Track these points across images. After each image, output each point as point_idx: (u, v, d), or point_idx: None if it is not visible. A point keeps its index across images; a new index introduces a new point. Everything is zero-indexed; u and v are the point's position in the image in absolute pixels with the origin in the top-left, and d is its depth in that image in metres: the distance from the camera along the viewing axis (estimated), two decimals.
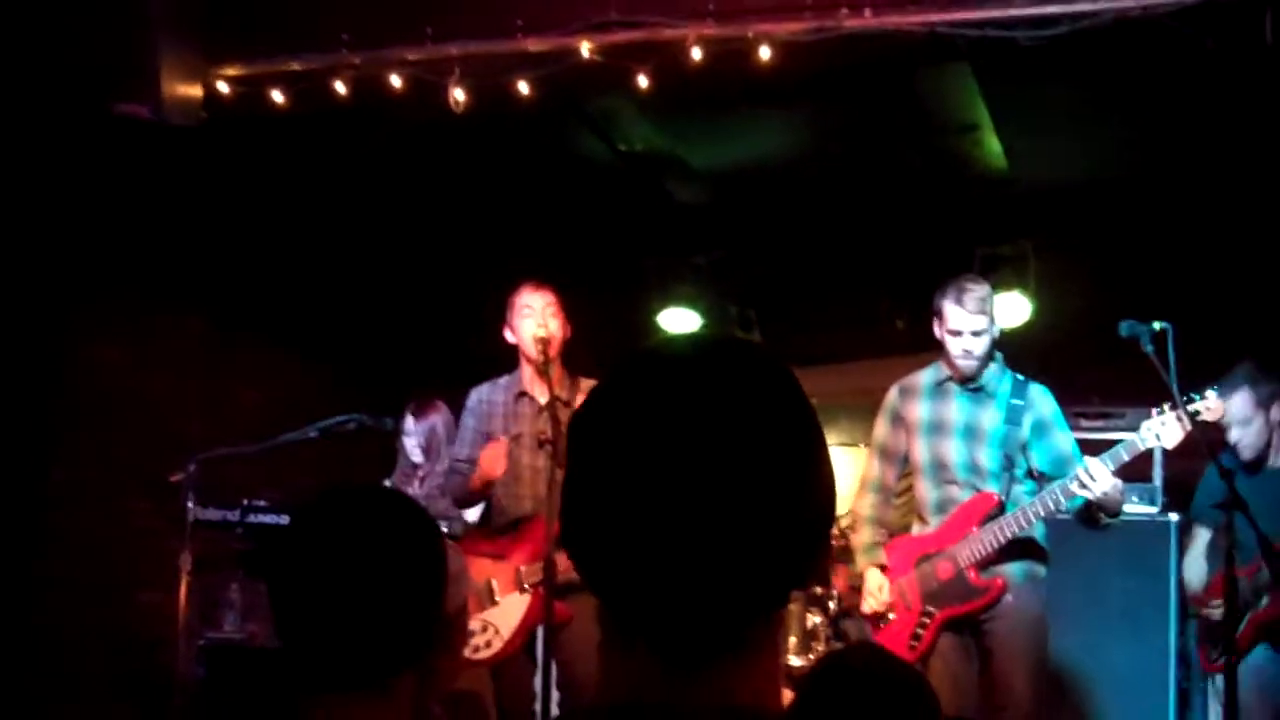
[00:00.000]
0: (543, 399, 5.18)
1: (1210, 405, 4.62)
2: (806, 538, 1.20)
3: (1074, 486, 4.65)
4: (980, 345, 4.86)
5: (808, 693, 2.44)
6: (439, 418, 6.41)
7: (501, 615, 5.26)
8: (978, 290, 4.86)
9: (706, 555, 1.15)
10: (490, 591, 5.27)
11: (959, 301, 4.84)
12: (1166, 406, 4.64)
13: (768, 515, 1.16)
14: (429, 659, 2.05)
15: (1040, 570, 4.96)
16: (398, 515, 2.04)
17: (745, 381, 1.20)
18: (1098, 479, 4.59)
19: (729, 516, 1.15)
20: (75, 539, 6.60)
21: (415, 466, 6.43)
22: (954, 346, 4.89)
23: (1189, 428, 4.62)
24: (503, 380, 5.33)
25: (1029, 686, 4.81)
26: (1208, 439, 4.69)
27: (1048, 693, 5.19)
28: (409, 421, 6.41)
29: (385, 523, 2.01)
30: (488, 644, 5.27)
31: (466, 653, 5.23)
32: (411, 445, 6.39)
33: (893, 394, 5.22)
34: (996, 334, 4.95)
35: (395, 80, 5.45)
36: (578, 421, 1.24)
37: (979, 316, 4.82)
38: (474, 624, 5.29)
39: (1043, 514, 4.79)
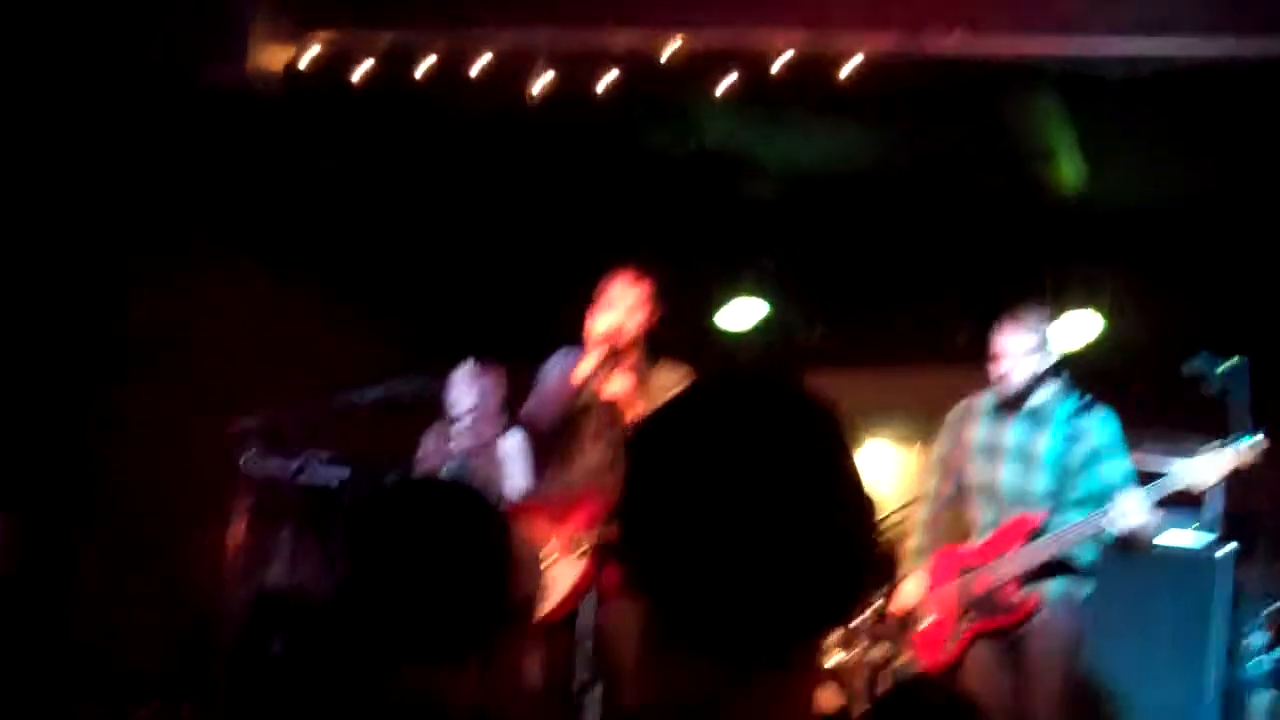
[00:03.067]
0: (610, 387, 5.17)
1: (1242, 450, 4.60)
2: (845, 563, 1.26)
3: (1103, 521, 4.67)
4: (1017, 371, 4.90)
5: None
6: (492, 383, 6.40)
7: (554, 578, 5.35)
8: (1024, 319, 4.92)
9: (761, 572, 1.22)
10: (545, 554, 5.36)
11: (1008, 323, 4.91)
12: (1205, 448, 4.63)
13: (814, 541, 1.24)
14: (496, 640, 2.14)
15: (1080, 591, 4.96)
16: (467, 507, 2.17)
17: (796, 422, 1.30)
18: (1129, 514, 4.60)
19: (779, 540, 1.23)
20: (134, 486, 6.72)
21: (454, 421, 6.37)
22: (999, 366, 4.95)
23: (1224, 472, 4.61)
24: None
25: (1055, 707, 4.82)
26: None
27: (1084, 716, 5.22)
28: (471, 368, 6.38)
29: (456, 514, 2.14)
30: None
31: None
32: (462, 391, 6.33)
33: (954, 412, 5.25)
34: (1047, 361, 4.95)
35: (479, 64, 5.47)
36: (640, 440, 1.31)
37: (1022, 338, 4.88)
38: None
39: (1077, 540, 4.80)
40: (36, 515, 6.24)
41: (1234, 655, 6.22)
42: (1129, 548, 4.80)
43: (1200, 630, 6.19)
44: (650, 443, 1.30)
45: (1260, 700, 5.95)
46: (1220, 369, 4.51)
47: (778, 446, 1.26)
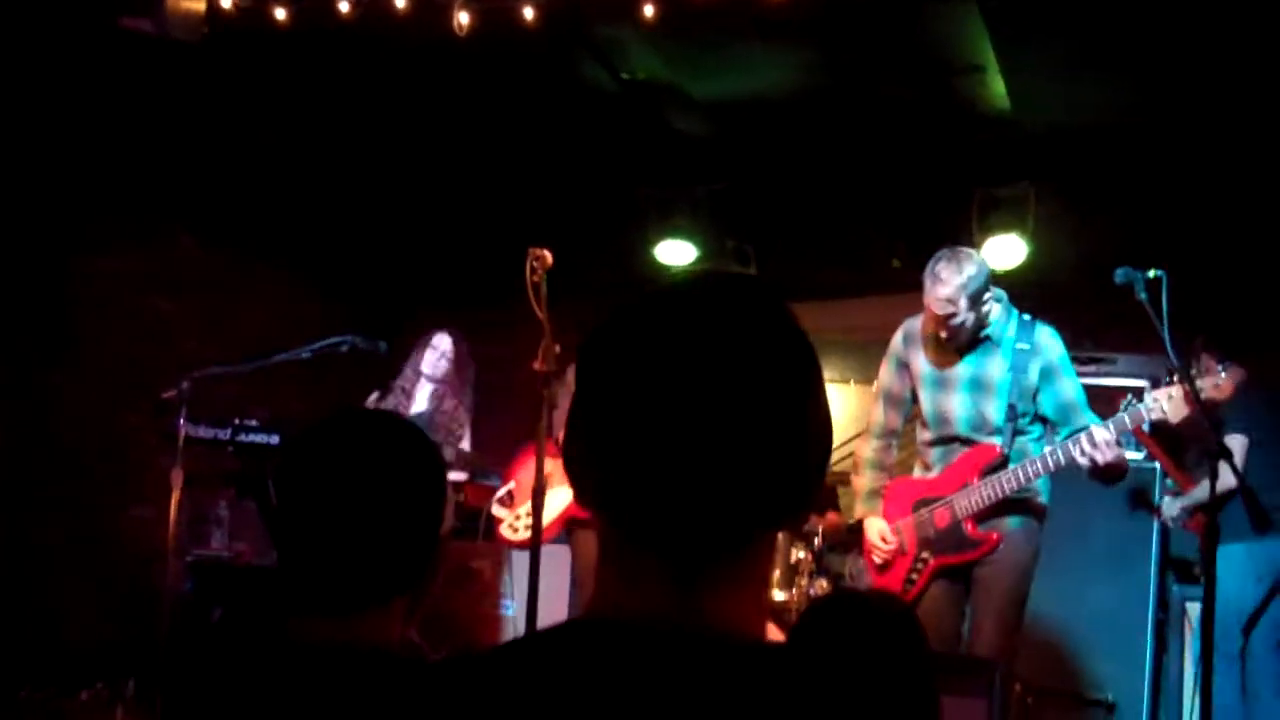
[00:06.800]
0: None
1: (1219, 382, 4.60)
2: (801, 464, 1.25)
3: (1077, 454, 4.60)
4: (958, 327, 4.78)
5: (804, 624, 2.48)
6: (466, 353, 6.53)
7: (547, 504, 5.42)
8: (952, 281, 4.69)
9: (706, 468, 1.20)
10: (544, 483, 5.39)
11: (932, 290, 4.74)
12: (1176, 378, 4.58)
13: (764, 437, 1.22)
14: (421, 582, 2.05)
15: (1036, 520, 4.91)
16: (402, 440, 2.03)
17: (749, 311, 1.26)
18: (1100, 446, 4.55)
19: (727, 435, 1.20)
20: (68, 452, 6.62)
21: (412, 383, 6.42)
22: (938, 328, 4.83)
23: (1195, 404, 4.56)
24: None
25: (998, 627, 4.80)
26: (1207, 405, 4.68)
27: (1029, 632, 5.25)
28: (450, 337, 6.43)
29: (390, 447, 2.00)
30: (528, 528, 5.43)
31: (506, 533, 5.86)
32: (438, 357, 6.42)
33: (897, 339, 5.11)
34: (984, 307, 4.80)
35: (399, 1, 5.40)
36: (587, 345, 1.29)
37: (948, 305, 4.71)
38: (521, 508, 5.70)
39: (1044, 473, 4.74)
40: None
41: (1168, 564, 6.35)
42: (1103, 478, 4.74)
43: (1141, 537, 6.31)
44: (596, 342, 1.28)
45: (1194, 608, 6.07)
46: (1141, 281, 4.53)
47: (720, 340, 1.23)
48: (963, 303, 4.72)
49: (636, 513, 1.23)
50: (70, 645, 6.39)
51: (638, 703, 1.17)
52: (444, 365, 6.45)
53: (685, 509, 1.21)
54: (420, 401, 6.40)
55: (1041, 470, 4.72)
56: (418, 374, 6.45)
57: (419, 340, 6.57)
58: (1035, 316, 4.97)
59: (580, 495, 1.28)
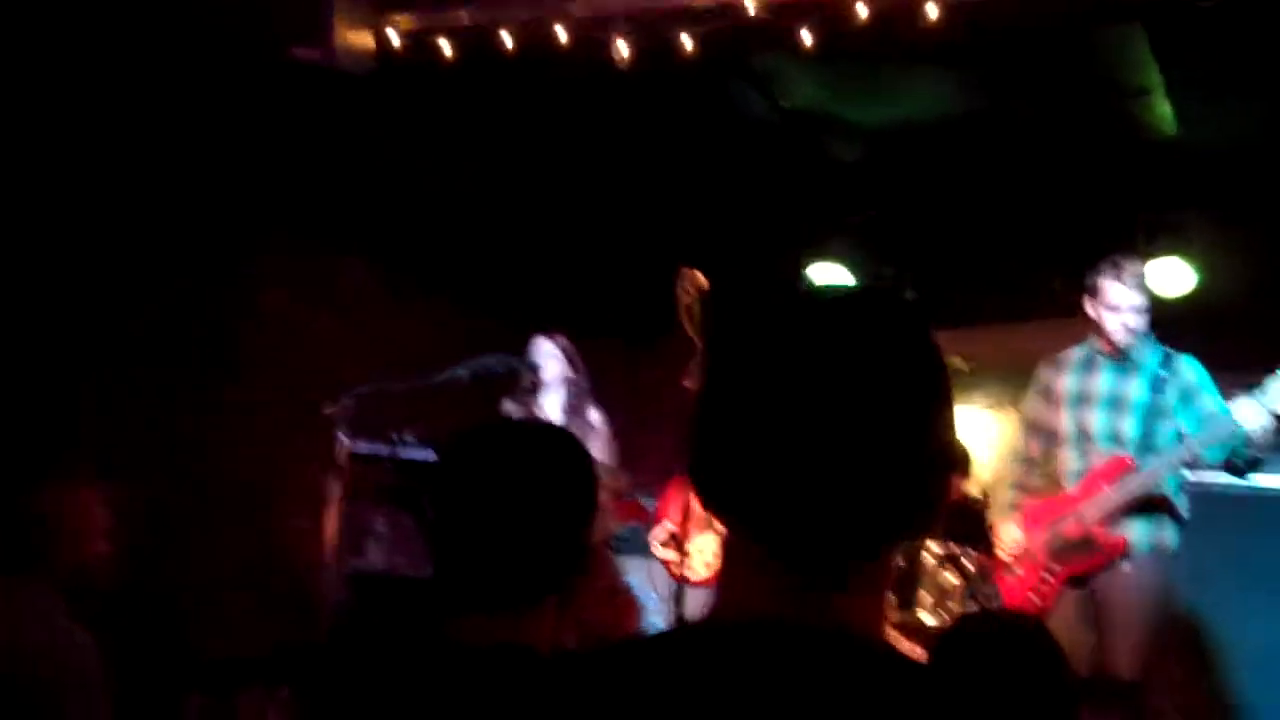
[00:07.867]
0: None
1: None
2: (925, 482, 1.26)
3: (1224, 431, 4.64)
4: (1141, 321, 4.93)
5: (945, 643, 2.48)
6: (578, 355, 6.52)
7: (700, 548, 5.47)
8: (1136, 267, 4.94)
9: (837, 477, 1.21)
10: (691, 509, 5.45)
11: (1119, 278, 4.90)
12: None
13: (891, 452, 1.22)
14: (571, 584, 2.11)
15: (1168, 540, 4.95)
16: (555, 446, 2.11)
17: (887, 326, 1.27)
18: (1248, 419, 4.58)
19: (860, 446, 1.21)
20: (233, 467, 6.82)
21: (539, 389, 6.46)
22: (1113, 322, 4.95)
23: None
24: None
25: (1132, 660, 4.83)
26: None
27: (1185, 661, 5.23)
28: (558, 339, 6.47)
29: (544, 452, 2.08)
30: (706, 564, 5.59)
31: (675, 569, 5.72)
32: (550, 360, 6.43)
33: (1042, 367, 5.30)
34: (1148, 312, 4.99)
35: (561, 34, 5.50)
36: (719, 348, 1.30)
37: (1138, 293, 4.90)
38: (692, 545, 5.69)
39: (1175, 466, 4.83)
40: (139, 501, 6.35)
41: None
42: (1237, 466, 4.77)
43: None
44: (730, 345, 1.29)
45: None
46: None
47: (856, 351, 1.24)
48: (1146, 285, 4.96)
49: (764, 518, 1.25)
50: (231, 651, 6.56)
51: (764, 702, 1.18)
52: (555, 367, 6.43)
53: (815, 518, 1.22)
54: (546, 407, 6.41)
55: (1174, 461, 4.81)
56: (533, 382, 6.45)
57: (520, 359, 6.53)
58: (1198, 344, 5.09)
59: (705, 499, 1.29)
